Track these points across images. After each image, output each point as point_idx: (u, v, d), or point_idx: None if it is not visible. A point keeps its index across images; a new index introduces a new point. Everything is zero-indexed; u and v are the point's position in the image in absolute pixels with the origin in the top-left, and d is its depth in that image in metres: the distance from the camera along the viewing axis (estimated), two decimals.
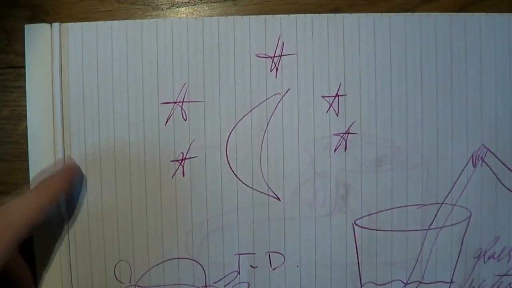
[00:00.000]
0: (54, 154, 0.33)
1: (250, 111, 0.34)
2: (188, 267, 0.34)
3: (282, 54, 0.33)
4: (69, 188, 0.32)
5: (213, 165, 0.34)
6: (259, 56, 0.33)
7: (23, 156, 0.34)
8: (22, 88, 0.34)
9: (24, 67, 0.33)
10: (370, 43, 0.33)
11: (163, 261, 0.34)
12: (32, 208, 0.29)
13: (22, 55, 0.33)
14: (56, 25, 0.33)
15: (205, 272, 0.34)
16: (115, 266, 0.34)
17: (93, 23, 0.33)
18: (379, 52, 0.33)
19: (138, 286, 0.34)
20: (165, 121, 0.33)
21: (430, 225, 0.34)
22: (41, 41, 0.33)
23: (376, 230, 0.34)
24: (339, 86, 0.34)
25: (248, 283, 0.34)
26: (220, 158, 0.34)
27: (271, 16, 0.33)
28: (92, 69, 0.33)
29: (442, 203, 0.34)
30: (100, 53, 0.33)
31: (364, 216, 0.34)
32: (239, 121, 0.33)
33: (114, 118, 0.33)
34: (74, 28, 0.33)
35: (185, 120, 0.33)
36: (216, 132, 0.34)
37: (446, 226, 0.34)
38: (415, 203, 0.34)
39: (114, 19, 0.34)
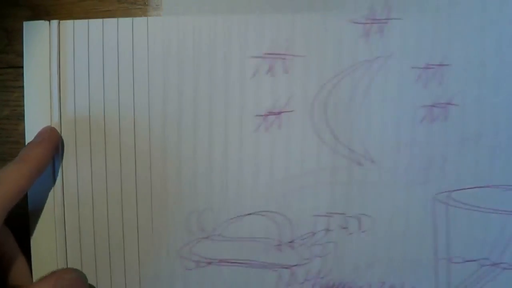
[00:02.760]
0: None
1: (343, 73, 0.33)
2: (273, 220, 0.34)
3: (389, 17, 0.33)
4: (52, 154, 0.32)
5: (299, 123, 0.33)
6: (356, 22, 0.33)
7: None
8: (23, 88, 0.34)
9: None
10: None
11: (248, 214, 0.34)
12: (14, 180, 0.28)
13: (23, 55, 0.34)
14: (54, 22, 0.33)
15: (290, 226, 0.34)
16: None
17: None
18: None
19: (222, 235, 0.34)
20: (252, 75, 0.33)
21: None
22: (39, 39, 0.33)
23: (461, 207, 0.33)
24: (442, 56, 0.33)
25: (328, 244, 0.34)
26: (306, 117, 0.33)
27: None
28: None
29: None
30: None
31: (450, 191, 0.33)
32: (331, 81, 0.33)
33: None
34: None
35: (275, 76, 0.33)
36: (307, 89, 0.33)
37: None
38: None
39: None
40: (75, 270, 0.32)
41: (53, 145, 0.32)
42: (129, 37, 0.33)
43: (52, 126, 0.33)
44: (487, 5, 0.32)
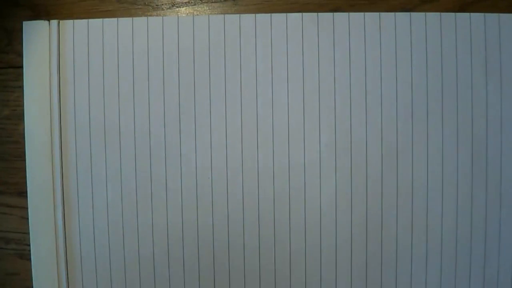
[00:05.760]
0: (51, 153, 0.33)
1: None
2: None
3: None
4: None
5: None
6: None
7: (24, 156, 0.34)
8: (23, 88, 0.34)
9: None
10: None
11: None
12: None
13: (23, 55, 0.34)
14: (54, 22, 0.33)
15: None
16: None
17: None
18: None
19: None
20: None
21: None
22: (39, 39, 0.33)
23: None
24: None
25: None
26: None
27: None
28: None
29: None
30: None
31: None
32: None
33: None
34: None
35: None
36: None
37: None
38: None
39: None
40: None
41: None
42: (129, 37, 0.33)
43: (52, 126, 0.33)
44: None
